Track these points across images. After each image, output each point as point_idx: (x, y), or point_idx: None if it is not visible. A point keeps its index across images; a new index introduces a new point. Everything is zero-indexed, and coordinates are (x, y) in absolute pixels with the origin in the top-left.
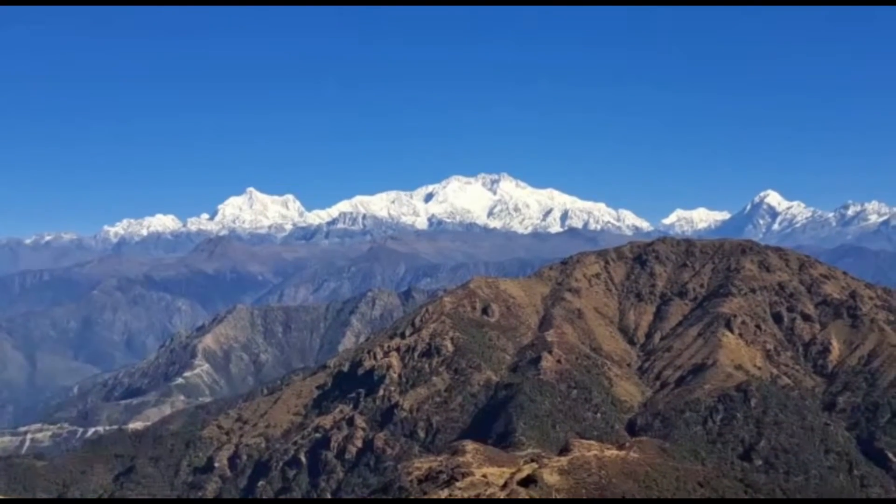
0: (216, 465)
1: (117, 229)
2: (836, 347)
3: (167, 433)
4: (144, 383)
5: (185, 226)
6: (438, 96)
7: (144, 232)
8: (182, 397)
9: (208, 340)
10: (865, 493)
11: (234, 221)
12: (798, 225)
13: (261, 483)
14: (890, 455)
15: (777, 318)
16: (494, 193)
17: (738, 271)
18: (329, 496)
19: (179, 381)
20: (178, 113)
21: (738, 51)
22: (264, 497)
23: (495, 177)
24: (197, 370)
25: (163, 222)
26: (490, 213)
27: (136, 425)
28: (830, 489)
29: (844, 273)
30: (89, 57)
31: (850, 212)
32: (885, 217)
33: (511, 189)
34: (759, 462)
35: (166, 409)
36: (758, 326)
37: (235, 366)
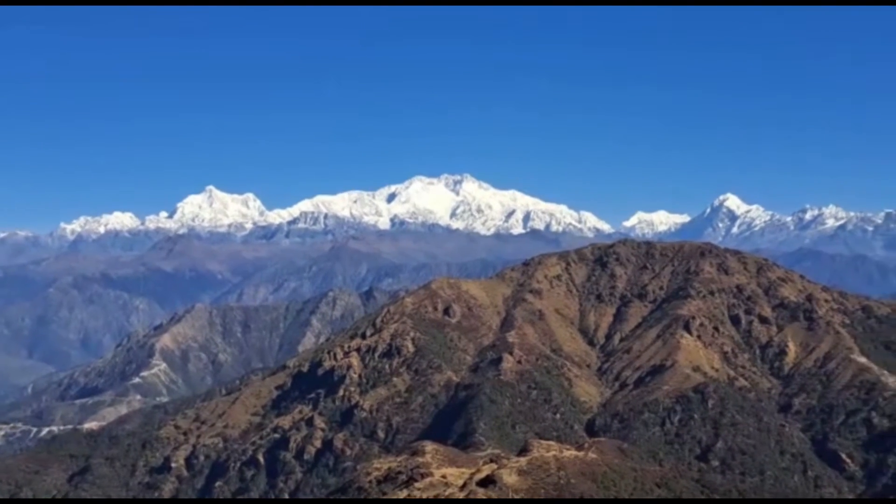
0: (173, 465)
1: (74, 227)
2: (792, 350)
3: (123, 433)
4: (100, 382)
5: (143, 224)
6: (400, 97)
7: (102, 230)
8: (139, 397)
9: (166, 340)
10: (819, 494)
11: (193, 220)
12: (756, 228)
13: (218, 483)
14: (843, 456)
15: (735, 321)
16: (457, 194)
17: (697, 274)
18: (287, 497)
19: (136, 380)
20: (136, 111)
21: (700, 54)
22: (221, 498)
23: (458, 178)
24: (154, 370)
25: (120, 220)
26: (453, 214)
27: (91, 425)
28: (785, 490)
29: (801, 276)
30: (72, 57)
31: (808, 216)
32: (841, 221)
33: (474, 190)
34: (716, 463)
35: (122, 409)
36: (716, 328)
37: (193, 365)
